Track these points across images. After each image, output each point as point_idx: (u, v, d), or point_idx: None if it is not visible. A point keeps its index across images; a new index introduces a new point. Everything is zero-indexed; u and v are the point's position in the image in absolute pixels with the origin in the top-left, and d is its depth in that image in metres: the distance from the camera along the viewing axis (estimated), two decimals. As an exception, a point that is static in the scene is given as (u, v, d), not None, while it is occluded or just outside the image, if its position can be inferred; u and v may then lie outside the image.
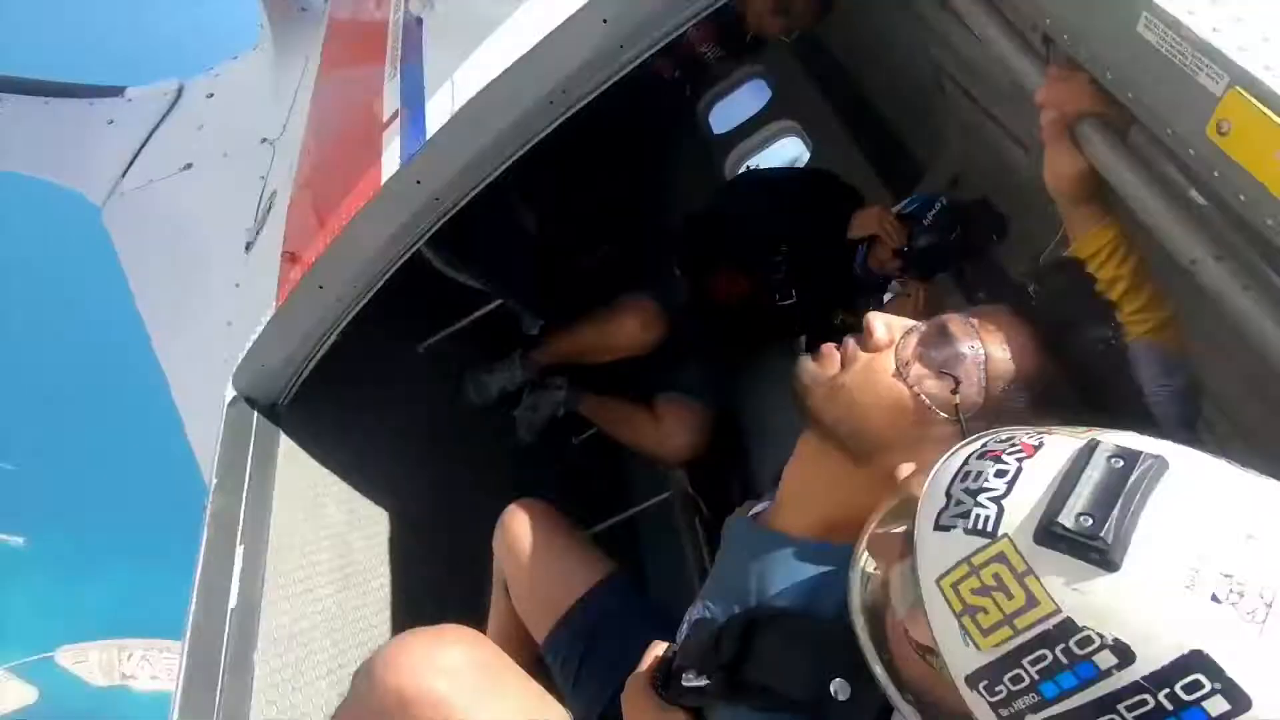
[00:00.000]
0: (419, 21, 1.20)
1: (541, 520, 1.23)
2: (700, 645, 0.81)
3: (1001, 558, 0.46)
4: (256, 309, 1.47)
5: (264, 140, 1.76)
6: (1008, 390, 0.75)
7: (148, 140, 1.86)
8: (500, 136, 0.97)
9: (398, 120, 1.08)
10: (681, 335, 1.74)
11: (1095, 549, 0.41)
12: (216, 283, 1.60)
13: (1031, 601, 0.43)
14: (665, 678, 0.85)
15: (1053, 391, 0.76)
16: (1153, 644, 0.39)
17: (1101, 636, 0.41)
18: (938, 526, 0.50)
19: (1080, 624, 0.41)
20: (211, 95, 1.92)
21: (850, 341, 0.81)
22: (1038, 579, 0.43)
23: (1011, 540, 0.45)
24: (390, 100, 1.14)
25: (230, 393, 1.26)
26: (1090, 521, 0.42)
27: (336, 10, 1.85)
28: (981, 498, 0.48)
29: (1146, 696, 0.39)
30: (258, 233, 1.50)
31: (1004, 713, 0.45)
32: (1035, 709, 0.44)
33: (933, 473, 0.54)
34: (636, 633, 1.04)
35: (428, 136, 0.98)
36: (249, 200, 1.70)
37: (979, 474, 0.50)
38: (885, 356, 0.78)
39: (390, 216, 1.05)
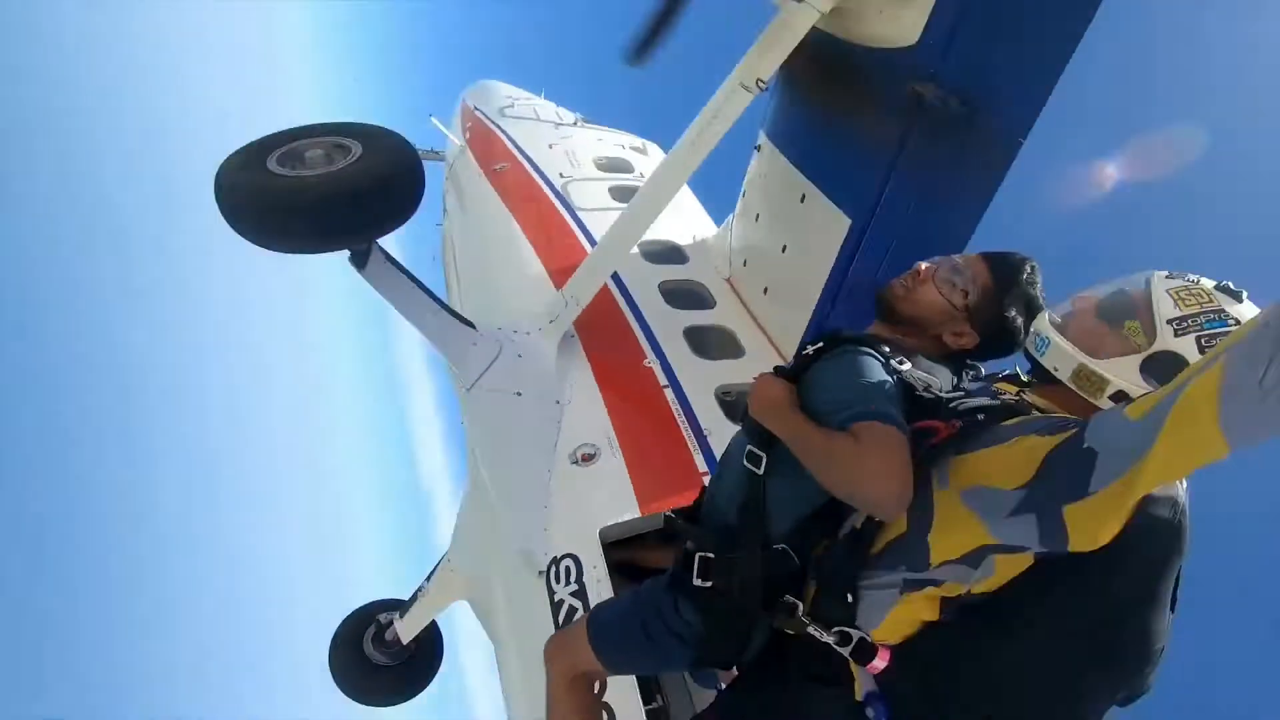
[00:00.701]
0: (708, 432, 3.36)
1: None
2: None
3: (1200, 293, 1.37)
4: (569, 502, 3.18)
5: (557, 401, 3.51)
6: (985, 295, 1.73)
7: (489, 368, 3.42)
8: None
9: (707, 477, 3.16)
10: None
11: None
12: (533, 475, 3.21)
13: (1210, 301, 1.34)
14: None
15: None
16: None
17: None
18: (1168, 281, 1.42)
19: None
20: (520, 356, 3.61)
21: (908, 277, 1.79)
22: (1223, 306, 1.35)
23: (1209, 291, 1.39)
24: (700, 463, 3.22)
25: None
26: None
27: (599, 359, 3.83)
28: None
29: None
30: (590, 459, 3.24)
31: (1183, 326, 1.33)
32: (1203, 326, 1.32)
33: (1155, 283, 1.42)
34: None
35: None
36: (553, 431, 3.40)
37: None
38: (929, 284, 1.77)
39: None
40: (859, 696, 1.56)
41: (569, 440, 3.35)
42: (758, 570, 1.65)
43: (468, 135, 6.70)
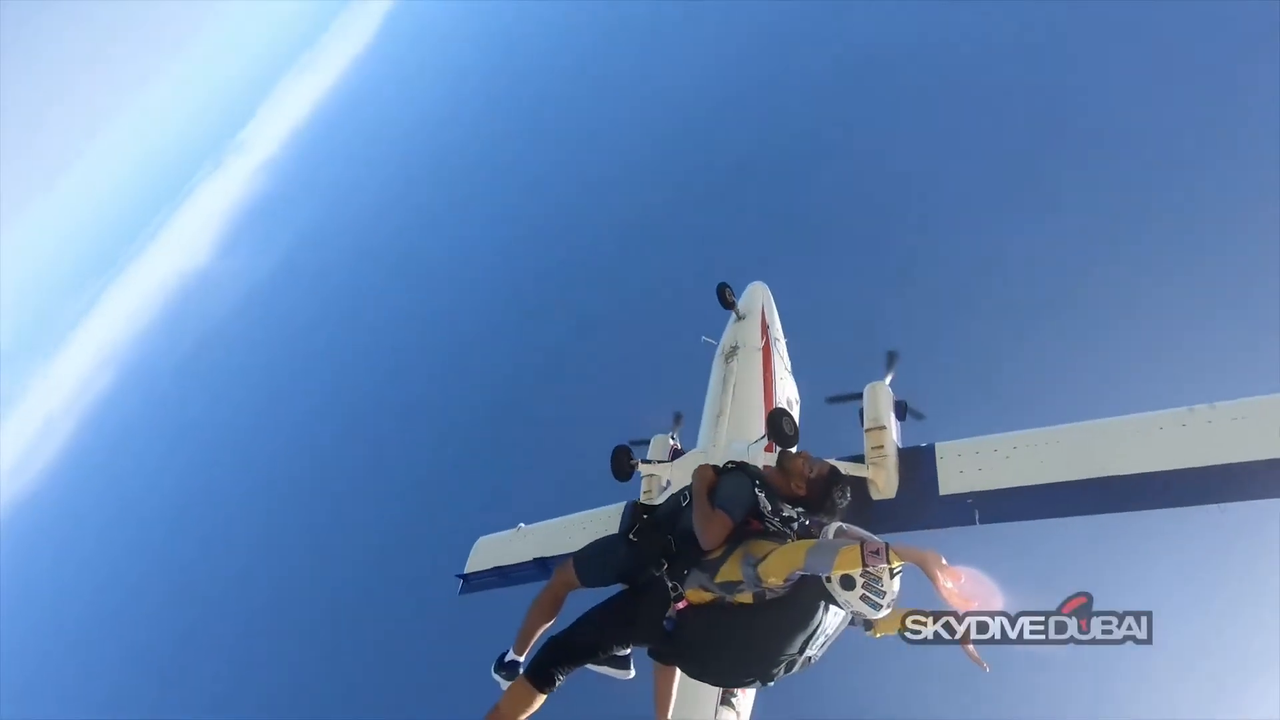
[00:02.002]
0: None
1: None
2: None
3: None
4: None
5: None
6: (819, 478, 3.36)
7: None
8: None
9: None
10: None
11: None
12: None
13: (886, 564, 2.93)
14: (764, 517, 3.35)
15: (824, 488, 3.33)
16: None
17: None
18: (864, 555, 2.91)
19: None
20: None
21: (798, 454, 3.47)
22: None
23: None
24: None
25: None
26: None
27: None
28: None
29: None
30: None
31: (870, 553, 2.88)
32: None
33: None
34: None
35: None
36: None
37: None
38: (801, 459, 3.46)
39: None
40: (668, 615, 3.20)
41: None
42: (656, 543, 3.31)
43: (764, 340, 13.75)
